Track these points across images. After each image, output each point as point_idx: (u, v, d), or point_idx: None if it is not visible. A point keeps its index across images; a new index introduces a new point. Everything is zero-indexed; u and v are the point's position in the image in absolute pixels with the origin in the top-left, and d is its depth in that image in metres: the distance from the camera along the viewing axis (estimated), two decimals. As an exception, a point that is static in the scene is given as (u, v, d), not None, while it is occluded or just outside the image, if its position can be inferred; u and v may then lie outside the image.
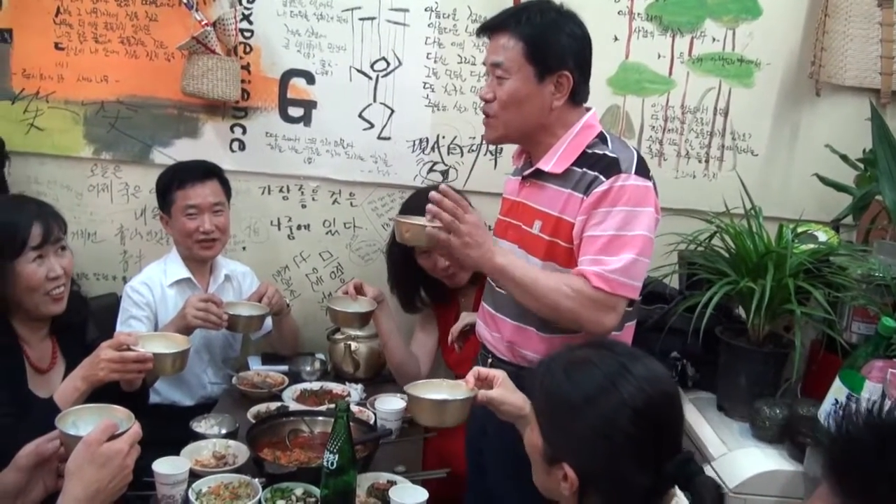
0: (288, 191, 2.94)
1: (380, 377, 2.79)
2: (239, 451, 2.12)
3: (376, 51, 2.82)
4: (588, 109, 2.05)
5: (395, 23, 2.80)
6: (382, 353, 2.76)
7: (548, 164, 2.00)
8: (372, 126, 2.87)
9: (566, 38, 1.97)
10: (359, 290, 2.58)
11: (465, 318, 2.48)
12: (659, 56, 2.82)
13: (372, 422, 2.33)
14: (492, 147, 2.89)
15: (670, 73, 2.83)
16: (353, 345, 2.74)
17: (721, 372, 2.29)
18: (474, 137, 2.89)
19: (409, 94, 2.85)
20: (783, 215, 2.64)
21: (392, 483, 2.04)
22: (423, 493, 1.93)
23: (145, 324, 2.57)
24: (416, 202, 2.59)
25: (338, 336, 2.79)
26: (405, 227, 2.07)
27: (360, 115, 2.86)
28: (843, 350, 2.10)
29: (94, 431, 1.48)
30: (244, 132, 2.90)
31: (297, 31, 2.80)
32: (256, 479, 1.98)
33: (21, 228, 1.97)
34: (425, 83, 2.85)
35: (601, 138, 1.99)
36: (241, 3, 2.77)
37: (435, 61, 2.83)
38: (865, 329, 2.11)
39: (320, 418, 2.29)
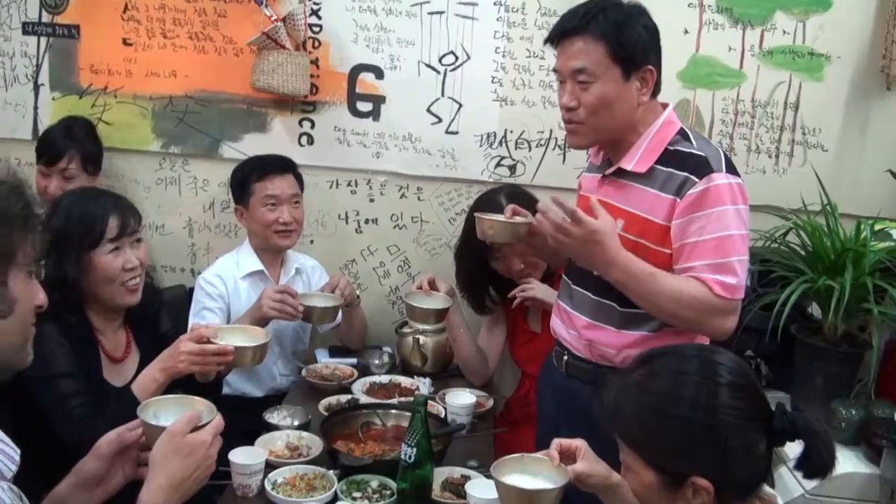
0: (356, 185, 2.97)
1: (447, 372, 2.80)
2: (312, 442, 2.15)
3: (445, 45, 2.82)
4: (665, 105, 2.02)
5: (464, 17, 2.80)
6: (450, 348, 2.77)
7: (630, 162, 1.97)
8: (440, 120, 2.88)
9: (644, 32, 1.93)
10: (432, 286, 2.58)
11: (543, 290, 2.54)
12: (729, 49, 2.79)
13: (442, 416, 2.34)
14: (560, 142, 2.87)
15: (741, 67, 2.80)
16: (422, 339, 2.75)
17: (796, 371, 2.27)
18: (542, 132, 2.88)
19: (477, 88, 2.85)
20: (854, 212, 2.61)
21: (466, 478, 2.04)
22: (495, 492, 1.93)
23: (218, 315, 2.61)
24: (489, 202, 2.60)
25: (406, 330, 2.80)
26: (488, 224, 2.09)
27: (428, 110, 2.87)
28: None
29: (179, 422, 1.50)
30: (312, 127, 2.92)
31: (366, 26, 2.81)
32: (331, 471, 2.00)
33: (99, 220, 2.03)
34: (493, 77, 2.84)
35: (682, 135, 1.96)
36: (309, -1, 2.80)
37: (503, 55, 2.83)
38: (943, 327, 2.08)
39: (393, 411, 2.30)
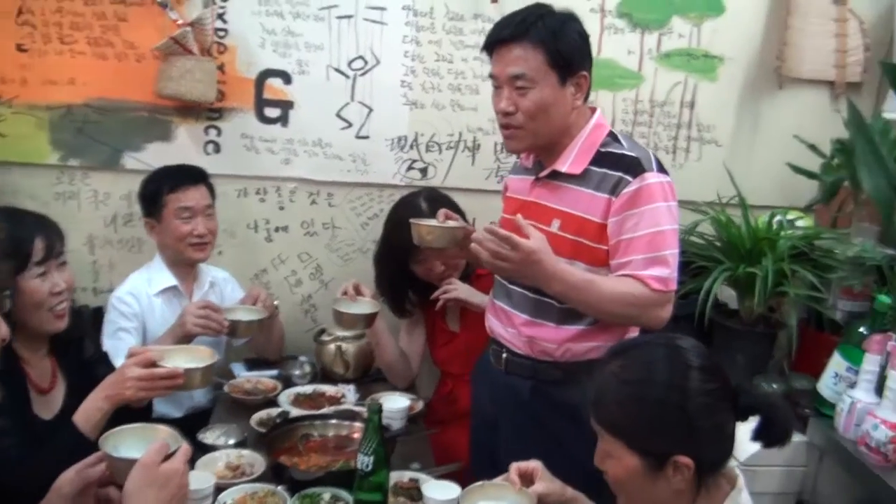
0: (265, 193, 2.89)
1: (368, 377, 2.77)
2: (254, 459, 2.08)
3: (354, 49, 2.80)
4: (594, 109, 2.10)
5: (373, 21, 2.78)
6: (370, 353, 2.76)
7: (564, 164, 2.04)
8: (350, 125, 2.85)
9: (578, 38, 2.01)
10: (357, 291, 2.57)
11: (465, 290, 2.58)
12: (629, 52, 2.91)
13: (376, 422, 2.33)
14: (470, 144, 2.92)
15: (640, 69, 2.93)
16: (343, 345, 2.72)
17: (716, 353, 2.38)
18: (452, 134, 2.91)
19: (386, 92, 2.84)
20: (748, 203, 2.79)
21: (414, 481, 2.04)
22: (456, 489, 1.94)
23: (134, 336, 2.47)
24: (409, 205, 2.61)
25: (325, 338, 2.76)
26: (426, 230, 2.11)
27: (338, 115, 2.84)
28: (831, 327, 2.24)
29: (150, 453, 1.45)
30: (219, 134, 2.83)
31: (274, 31, 2.74)
32: (279, 487, 1.95)
33: (24, 243, 1.87)
34: (403, 81, 2.84)
35: (612, 137, 2.05)
36: (215, 2, 2.69)
37: (412, 59, 2.83)
38: (851, 306, 2.26)
39: (332, 421, 2.27)
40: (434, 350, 2.82)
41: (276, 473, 2.02)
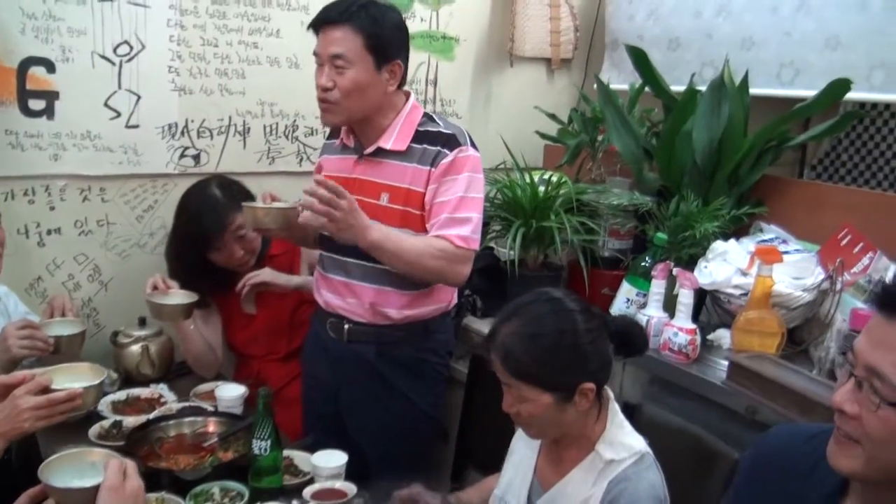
0: (34, 193, 2.62)
1: (172, 373, 2.72)
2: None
3: (118, 34, 2.63)
4: (408, 94, 2.33)
5: (136, 4, 2.64)
6: (171, 349, 2.72)
7: (388, 142, 2.26)
8: (119, 115, 2.69)
9: (397, 31, 2.25)
10: (165, 283, 2.55)
11: (269, 273, 2.65)
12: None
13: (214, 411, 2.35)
14: (240, 128, 2.91)
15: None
16: (149, 345, 2.63)
17: (510, 299, 2.73)
18: (222, 119, 2.88)
19: (154, 78, 2.72)
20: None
21: (290, 458, 2.13)
22: (343, 456, 2.07)
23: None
24: (201, 193, 2.60)
25: (124, 339, 2.64)
26: (263, 212, 2.19)
27: (106, 104, 2.66)
28: (604, 264, 2.71)
29: (111, 476, 1.43)
30: (-25, 132, 2.50)
31: (34, 15, 2.48)
32: (163, 493, 1.92)
33: None
34: (170, 67, 2.74)
35: (428, 117, 2.31)
36: (-39, -16, 2.37)
37: (178, 44, 2.74)
38: (619, 245, 2.75)
39: (187, 419, 2.26)
40: (232, 335, 2.82)
41: (153, 481, 1.96)
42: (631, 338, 1.76)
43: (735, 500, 1.46)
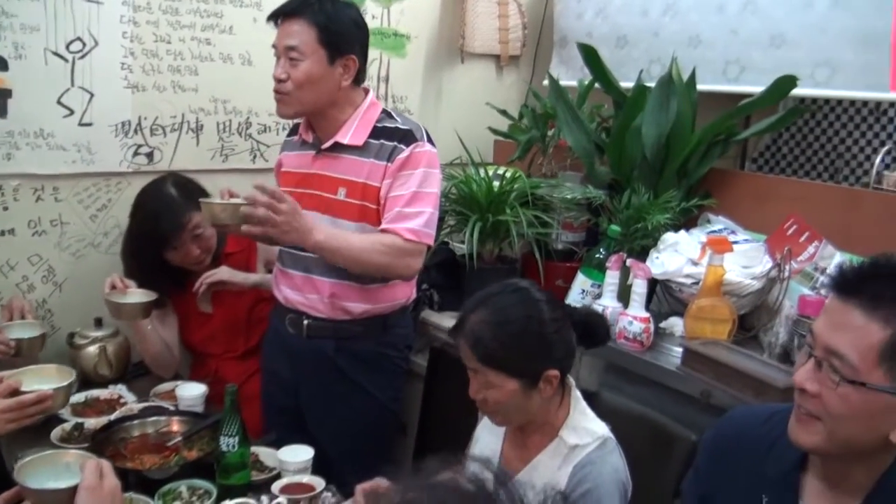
0: (-15, 194, 2.57)
1: (129, 373, 2.70)
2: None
3: (71, 31, 2.59)
4: (367, 90, 2.36)
5: (89, 0, 2.61)
6: (128, 349, 2.70)
7: (345, 137, 2.29)
8: (72, 112, 2.65)
9: (353, 27, 2.28)
10: (125, 284, 2.54)
11: (226, 272, 2.65)
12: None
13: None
14: (193, 125, 2.90)
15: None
16: (106, 345, 2.61)
17: (467, 293, 2.79)
18: (175, 116, 2.86)
19: (107, 75, 2.69)
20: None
21: (255, 454, 2.14)
22: (309, 450, 2.10)
23: None
24: (157, 192, 2.58)
25: (80, 341, 2.61)
26: (220, 208, 2.20)
27: (59, 102, 2.62)
28: (557, 256, 2.77)
29: (89, 476, 1.46)
30: (-76, 132, 2.44)
31: (-17, 11, 2.44)
32: (131, 493, 1.92)
33: None
34: (123, 63, 2.71)
35: (386, 114, 2.35)
36: None
37: (131, 40, 2.71)
38: (571, 237, 2.81)
39: (136, 422, 2.23)
40: (189, 334, 2.81)
41: (123, 479, 1.95)
42: (593, 328, 1.82)
43: (697, 479, 1.53)
